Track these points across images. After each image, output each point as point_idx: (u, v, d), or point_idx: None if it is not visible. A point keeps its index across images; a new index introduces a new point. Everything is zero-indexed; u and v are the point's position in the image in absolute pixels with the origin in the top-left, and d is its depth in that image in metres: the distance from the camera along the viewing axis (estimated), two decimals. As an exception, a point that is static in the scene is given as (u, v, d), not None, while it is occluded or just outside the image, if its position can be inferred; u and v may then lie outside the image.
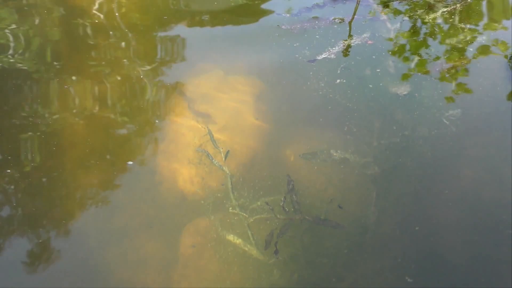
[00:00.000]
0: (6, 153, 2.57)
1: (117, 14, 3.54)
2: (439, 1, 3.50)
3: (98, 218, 2.31)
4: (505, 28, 3.29)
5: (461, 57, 3.03)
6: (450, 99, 2.75)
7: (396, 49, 3.10)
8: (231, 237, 2.21)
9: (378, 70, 2.93)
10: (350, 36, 3.21)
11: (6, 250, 2.22)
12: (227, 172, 2.43)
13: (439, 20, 3.34)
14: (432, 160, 2.44)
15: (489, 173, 2.40)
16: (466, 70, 2.95)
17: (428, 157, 2.45)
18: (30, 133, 2.67)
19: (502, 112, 2.68)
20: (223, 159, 2.49)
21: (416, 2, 3.52)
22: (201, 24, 3.48)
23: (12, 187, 2.44)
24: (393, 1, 3.53)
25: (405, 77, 2.89)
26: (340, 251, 2.14)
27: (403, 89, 2.81)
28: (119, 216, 2.31)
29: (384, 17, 3.37)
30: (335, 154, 2.49)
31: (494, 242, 2.13)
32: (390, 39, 3.17)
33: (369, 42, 3.12)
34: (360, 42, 3.13)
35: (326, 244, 2.17)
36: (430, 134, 2.55)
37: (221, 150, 2.53)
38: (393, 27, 3.28)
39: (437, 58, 3.03)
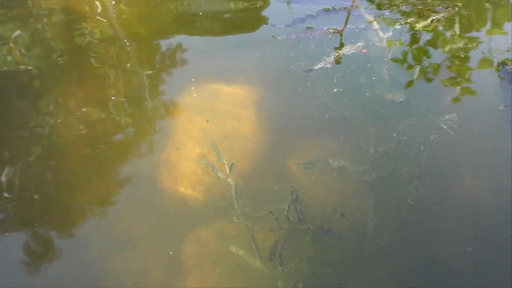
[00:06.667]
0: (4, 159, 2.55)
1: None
2: (428, 9, 3.59)
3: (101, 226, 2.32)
4: (497, 32, 3.39)
5: (453, 63, 3.11)
6: (445, 103, 2.82)
7: (390, 56, 3.17)
8: (234, 247, 2.22)
9: (374, 78, 2.98)
10: (344, 45, 3.27)
11: (7, 257, 2.20)
12: (232, 183, 2.45)
13: (430, 28, 3.43)
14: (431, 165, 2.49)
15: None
16: (459, 75, 3.03)
17: (426, 162, 2.51)
18: (27, 140, 2.66)
19: (494, 117, 2.75)
20: (228, 171, 2.50)
21: (408, 11, 3.61)
22: (199, 34, 3.51)
23: (12, 191, 2.43)
24: (384, 9, 3.61)
25: (401, 84, 2.95)
26: (343, 260, 2.17)
27: (398, 96, 2.86)
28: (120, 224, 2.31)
29: (376, 26, 3.44)
30: (333, 163, 2.53)
31: (495, 249, 2.16)
32: (384, 47, 3.24)
33: (363, 50, 3.19)
34: (354, 51, 3.19)
35: (330, 254, 2.19)
36: (427, 139, 2.61)
37: (225, 162, 2.55)
38: (386, 35, 3.35)
39: (433, 65, 3.11)
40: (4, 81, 3.09)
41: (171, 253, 2.22)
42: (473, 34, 3.40)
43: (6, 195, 2.44)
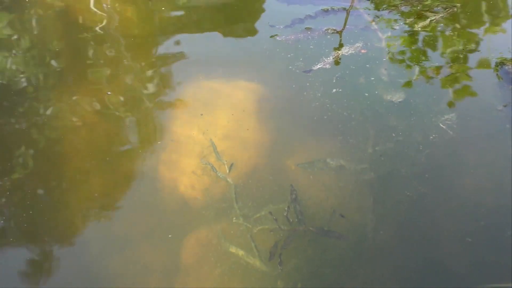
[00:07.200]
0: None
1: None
2: (427, 10, 3.60)
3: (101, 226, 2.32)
4: (494, 31, 3.41)
5: (452, 63, 3.12)
6: (444, 103, 2.83)
7: (388, 57, 3.18)
8: (234, 248, 2.23)
9: (373, 78, 2.99)
10: (343, 46, 3.27)
11: (7, 258, 2.20)
12: (231, 183, 2.45)
13: (428, 28, 3.44)
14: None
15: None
16: (457, 75, 3.04)
17: (425, 162, 2.51)
18: (28, 139, 2.66)
19: (493, 117, 2.76)
20: (227, 171, 2.51)
21: (406, 11, 3.62)
22: (195, 33, 3.52)
23: (12, 195, 2.43)
24: (383, 10, 3.62)
25: (400, 84, 2.96)
26: (342, 259, 2.17)
27: (397, 96, 2.87)
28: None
29: (375, 26, 3.45)
30: (332, 162, 2.53)
31: (494, 248, 2.17)
32: (383, 48, 3.25)
33: (362, 51, 3.19)
34: (353, 52, 3.20)
35: (330, 254, 2.19)
36: (426, 139, 2.62)
37: (225, 162, 2.55)
38: (384, 36, 3.36)
39: (431, 65, 3.12)
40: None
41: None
42: (472, 34, 3.41)
43: (5, 193, 2.45)
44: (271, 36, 3.38)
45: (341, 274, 2.12)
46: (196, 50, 3.35)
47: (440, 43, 3.31)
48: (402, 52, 3.23)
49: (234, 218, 2.32)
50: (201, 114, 2.80)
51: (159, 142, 2.69)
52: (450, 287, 2.06)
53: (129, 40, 3.43)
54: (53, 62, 3.21)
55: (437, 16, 3.53)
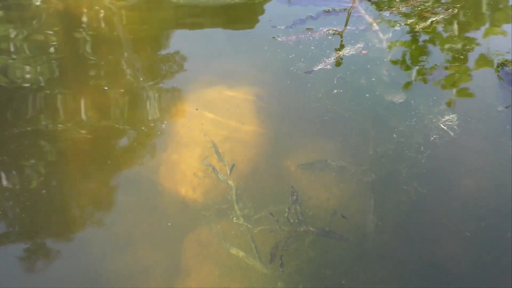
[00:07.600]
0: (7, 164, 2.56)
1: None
2: (428, 11, 3.61)
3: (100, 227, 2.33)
4: (494, 32, 3.41)
5: (452, 64, 3.12)
6: (444, 104, 2.83)
7: (389, 58, 3.18)
8: (234, 249, 2.23)
9: (373, 79, 2.99)
10: (344, 46, 3.28)
11: (7, 259, 2.21)
12: (232, 184, 2.45)
13: (429, 29, 3.44)
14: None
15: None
16: (458, 76, 3.04)
17: (426, 163, 2.51)
18: (31, 142, 2.66)
19: (494, 118, 2.76)
20: (228, 172, 2.51)
21: (407, 12, 3.62)
22: (197, 34, 3.52)
23: (13, 195, 2.43)
24: (384, 11, 3.62)
25: (401, 85, 2.96)
26: (343, 260, 2.17)
27: (398, 97, 2.87)
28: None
29: (376, 27, 3.45)
30: (332, 163, 2.53)
31: (494, 250, 2.17)
32: (383, 49, 3.25)
33: (363, 52, 3.20)
34: (354, 52, 3.20)
35: (330, 254, 2.19)
36: (427, 140, 2.62)
37: (226, 163, 2.55)
38: (385, 37, 3.36)
39: (432, 66, 3.12)
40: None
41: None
42: (473, 35, 3.41)
43: (6, 195, 2.45)
44: (273, 37, 3.39)
45: (342, 275, 2.12)
46: (196, 51, 3.35)
47: (440, 44, 3.31)
48: (403, 53, 3.23)
49: (235, 219, 2.32)
50: (197, 109, 2.80)
51: (160, 144, 2.70)
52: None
53: (128, 40, 3.43)
54: (52, 61, 3.22)
55: (438, 17, 3.53)
